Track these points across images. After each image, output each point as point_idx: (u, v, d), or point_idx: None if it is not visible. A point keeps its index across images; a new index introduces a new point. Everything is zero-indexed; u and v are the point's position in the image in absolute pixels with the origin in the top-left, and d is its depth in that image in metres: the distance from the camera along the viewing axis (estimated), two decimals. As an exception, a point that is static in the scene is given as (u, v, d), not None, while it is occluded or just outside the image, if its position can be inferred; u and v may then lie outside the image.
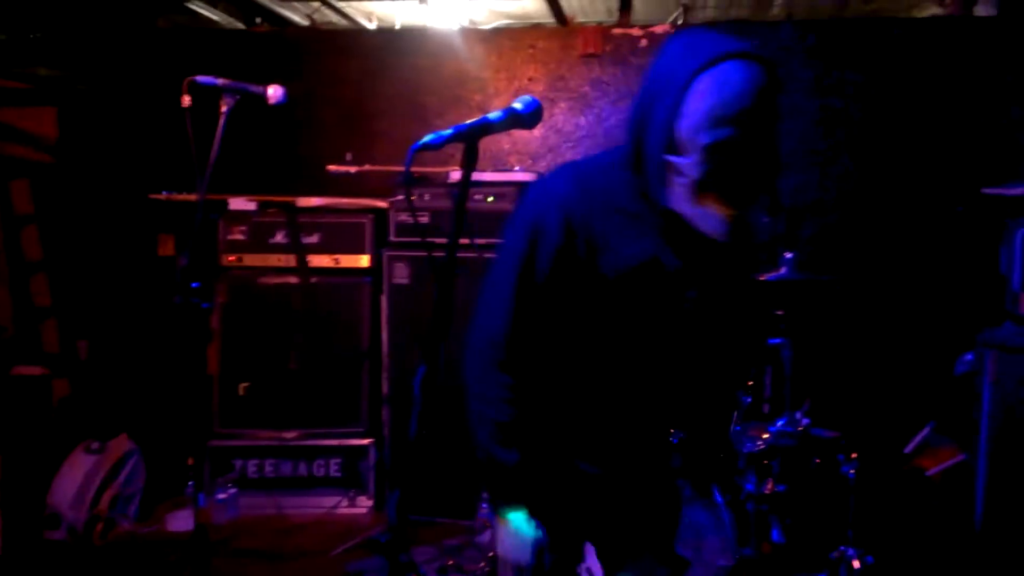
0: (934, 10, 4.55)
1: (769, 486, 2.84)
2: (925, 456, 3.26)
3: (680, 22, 4.53)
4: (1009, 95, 4.04)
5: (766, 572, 2.85)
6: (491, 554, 3.05)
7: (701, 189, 1.49)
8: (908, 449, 3.30)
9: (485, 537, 3.43)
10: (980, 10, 4.28)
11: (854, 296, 4.04)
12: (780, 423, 2.94)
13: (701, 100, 1.44)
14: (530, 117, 1.81)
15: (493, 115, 1.74)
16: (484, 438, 1.66)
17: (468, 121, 1.72)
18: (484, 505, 3.64)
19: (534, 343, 1.67)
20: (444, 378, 1.76)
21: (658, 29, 4.43)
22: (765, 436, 2.88)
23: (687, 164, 1.48)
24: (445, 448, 3.74)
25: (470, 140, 1.71)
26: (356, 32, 4.93)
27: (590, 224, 1.61)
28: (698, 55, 1.47)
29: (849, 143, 4.21)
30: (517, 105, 1.78)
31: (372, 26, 5.13)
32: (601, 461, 1.70)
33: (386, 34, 4.91)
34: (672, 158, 1.49)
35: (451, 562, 3.36)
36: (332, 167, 4.32)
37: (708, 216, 1.50)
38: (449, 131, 1.70)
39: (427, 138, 1.67)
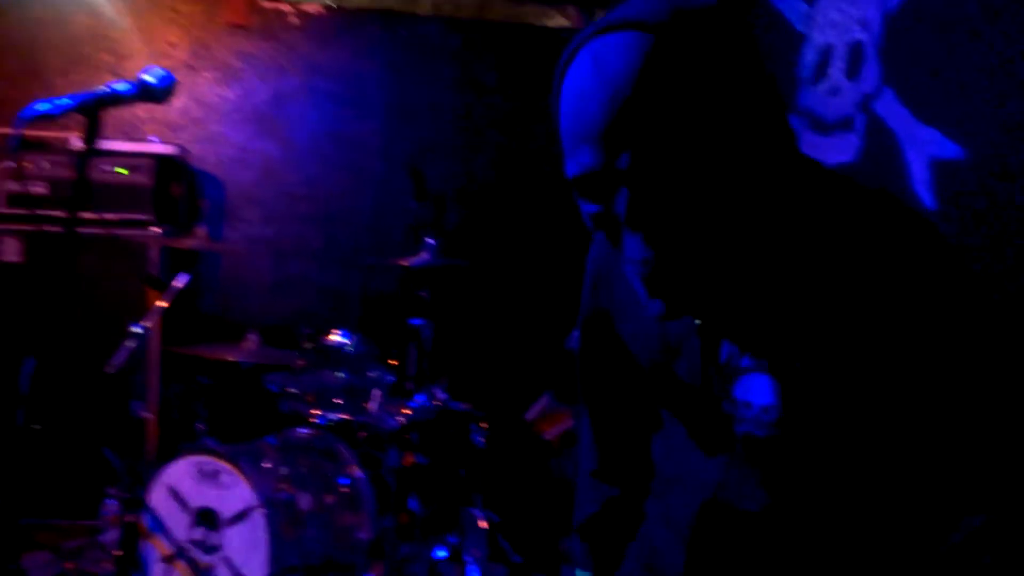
0: (561, 21, 5.06)
1: (408, 458, 3.00)
2: (544, 422, 3.66)
3: (331, 4, 4.51)
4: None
5: (404, 540, 3.01)
6: (115, 553, 2.85)
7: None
8: (529, 416, 3.68)
9: (109, 536, 3.19)
10: (597, 27, 4.84)
11: (487, 280, 4.39)
12: (420, 399, 3.11)
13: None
14: (162, 91, 1.74)
15: (121, 86, 1.66)
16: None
17: (92, 90, 1.61)
18: (109, 502, 3.38)
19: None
20: (61, 368, 1.63)
21: (309, 8, 4.38)
22: (406, 412, 3.03)
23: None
24: (62, 444, 3.42)
25: (93, 111, 1.61)
26: (-47, -33, 4.22)
27: (611, 290, 1.20)
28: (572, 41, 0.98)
29: (488, 138, 4.54)
30: (148, 77, 1.71)
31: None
32: None
33: (-6, -25, 4.27)
34: None
35: (71, 566, 3.07)
36: (-81, 123, 3.65)
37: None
38: (68, 100, 1.59)
39: (42, 106, 1.54)
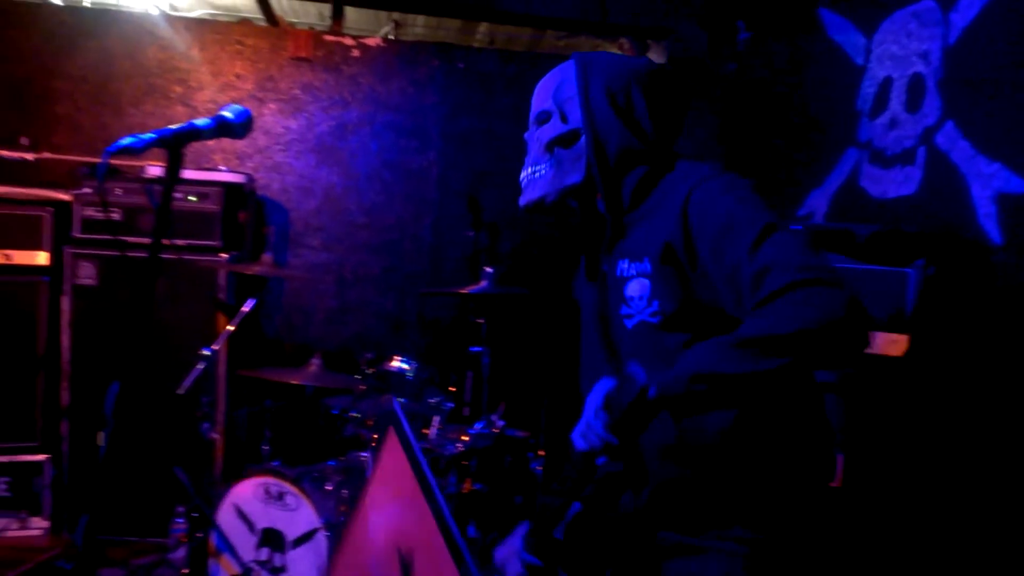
0: (614, 52, 5.11)
1: (467, 485, 3.03)
2: (600, 451, 3.66)
3: (391, 37, 4.64)
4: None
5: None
6: (184, 571, 2.93)
7: None
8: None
9: (179, 554, 3.27)
10: (651, 57, 4.89)
11: (544, 308, 4.42)
12: (478, 426, 3.14)
13: None
14: (240, 127, 1.79)
15: (201, 122, 1.70)
16: None
17: (174, 125, 1.66)
18: (178, 520, 3.47)
19: None
20: (133, 389, 1.68)
21: (370, 41, 4.51)
22: (464, 438, 3.07)
23: None
24: (135, 463, 3.53)
25: (175, 146, 1.66)
26: (36, 4, 4.43)
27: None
28: None
29: (543, 166, 4.59)
30: (227, 114, 1.76)
31: (57, 0, 4.64)
32: None
33: (73, 10, 4.47)
34: None
35: (141, 583, 3.17)
36: (4, 152, 3.85)
37: None
38: (152, 135, 1.63)
39: (126, 141, 1.59)
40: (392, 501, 2.14)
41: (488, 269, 3.31)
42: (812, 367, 1.48)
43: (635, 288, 1.52)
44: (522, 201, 1.69)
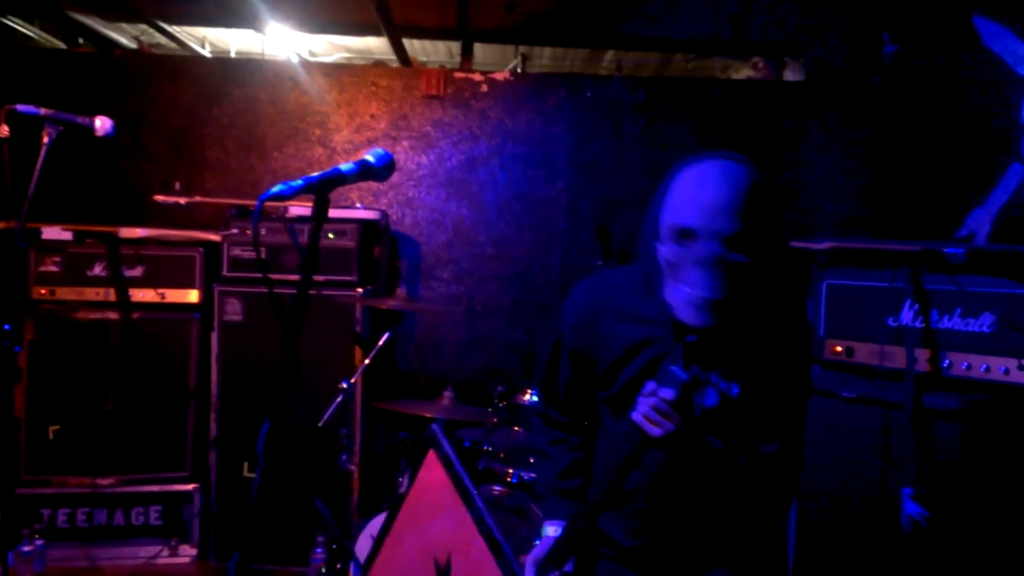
0: (748, 72, 4.97)
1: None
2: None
3: (519, 70, 4.68)
4: (814, 154, 4.46)
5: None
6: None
7: (672, 271, 1.58)
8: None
9: (319, 584, 3.34)
10: (788, 75, 4.72)
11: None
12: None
13: (678, 190, 1.59)
14: (383, 170, 1.83)
15: (346, 167, 1.75)
16: None
17: (319, 171, 1.71)
18: (318, 551, 3.56)
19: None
20: (286, 423, 1.72)
21: (498, 76, 4.57)
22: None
23: (663, 248, 1.59)
24: (277, 493, 3.64)
25: (321, 191, 1.70)
26: (188, 58, 4.74)
27: (594, 324, 1.80)
28: (688, 158, 1.65)
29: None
30: (370, 158, 1.80)
31: (205, 52, 4.96)
32: None
33: (221, 62, 4.76)
34: (655, 242, 1.62)
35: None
36: (161, 197, 4.11)
37: (680, 299, 1.56)
38: (300, 182, 1.68)
39: (277, 188, 1.65)
40: (429, 515, 2.39)
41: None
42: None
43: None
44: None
